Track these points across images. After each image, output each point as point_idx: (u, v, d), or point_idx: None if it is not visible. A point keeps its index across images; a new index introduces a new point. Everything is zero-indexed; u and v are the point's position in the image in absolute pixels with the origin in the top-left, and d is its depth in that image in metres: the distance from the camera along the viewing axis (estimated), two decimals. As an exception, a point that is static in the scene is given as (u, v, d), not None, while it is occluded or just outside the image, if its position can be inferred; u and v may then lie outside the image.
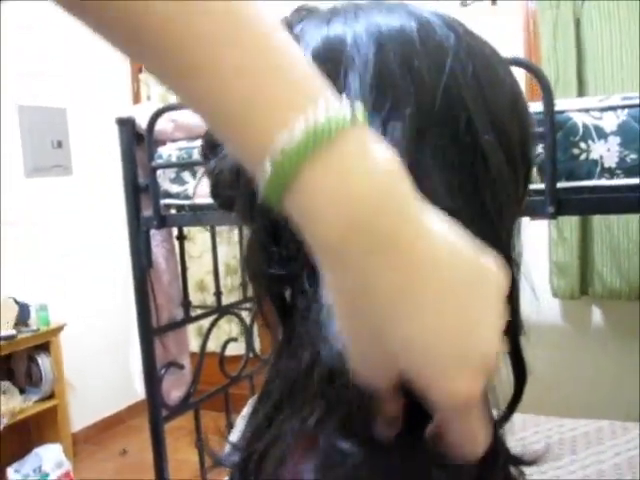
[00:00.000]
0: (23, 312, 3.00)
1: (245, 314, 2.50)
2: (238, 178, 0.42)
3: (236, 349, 2.71)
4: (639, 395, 2.42)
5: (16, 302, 2.99)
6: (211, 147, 0.46)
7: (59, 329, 3.12)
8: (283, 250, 0.41)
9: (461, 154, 0.38)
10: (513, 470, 0.43)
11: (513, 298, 0.41)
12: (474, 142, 0.38)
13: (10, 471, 2.85)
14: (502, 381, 0.40)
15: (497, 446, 0.39)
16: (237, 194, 0.43)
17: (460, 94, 0.38)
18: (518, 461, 0.43)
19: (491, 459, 0.38)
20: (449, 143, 0.38)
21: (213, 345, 2.34)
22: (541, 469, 1.74)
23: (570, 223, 2.69)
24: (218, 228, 2.65)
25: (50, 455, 2.95)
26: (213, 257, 2.26)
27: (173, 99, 3.40)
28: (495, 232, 0.39)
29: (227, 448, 0.44)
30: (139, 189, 1.85)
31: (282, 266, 0.41)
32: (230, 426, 2.29)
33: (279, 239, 0.41)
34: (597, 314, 2.84)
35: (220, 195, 0.46)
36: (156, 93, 3.76)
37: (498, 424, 0.43)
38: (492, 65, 0.41)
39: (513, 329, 0.42)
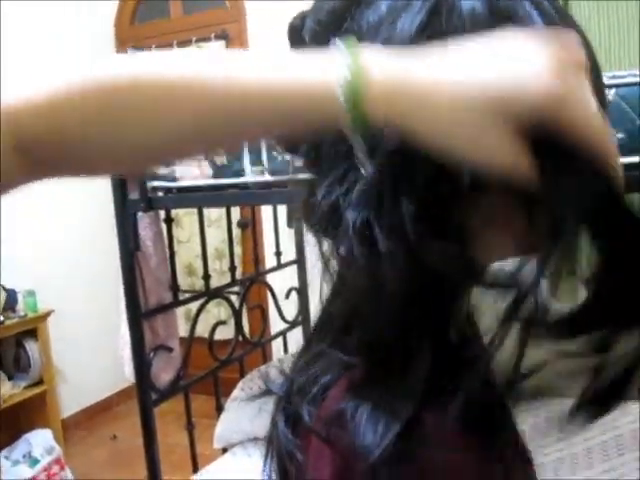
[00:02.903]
0: (10, 298, 2.98)
1: (234, 297, 2.49)
2: None
3: (225, 333, 2.70)
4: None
5: (3, 288, 2.97)
6: None
7: (47, 315, 3.10)
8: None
9: None
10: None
11: None
12: None
13: None
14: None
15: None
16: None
17: None
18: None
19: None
20: None
21: (202, 329, 2.33)
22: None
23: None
24: (206, 211, 2.64)
25: (40, 441, 2.94)
26: (201, 240, 2.25)
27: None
28: None
29: (278, 378, 0.49)
30: (125, 172, 1.83)
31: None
32: (220, 409, 2.30)
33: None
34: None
35: None
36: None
37: None
38: None
39: None
